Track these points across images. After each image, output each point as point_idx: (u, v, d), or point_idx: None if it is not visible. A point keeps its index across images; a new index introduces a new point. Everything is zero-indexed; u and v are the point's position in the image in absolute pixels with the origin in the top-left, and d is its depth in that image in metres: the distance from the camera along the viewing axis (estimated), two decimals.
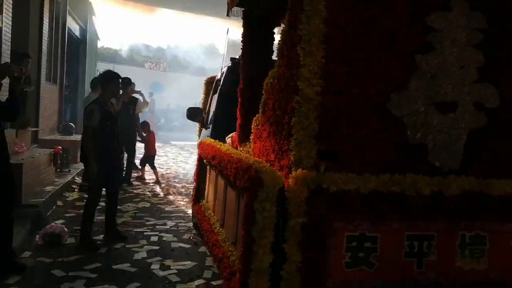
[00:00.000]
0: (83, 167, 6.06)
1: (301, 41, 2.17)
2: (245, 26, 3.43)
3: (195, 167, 4.35)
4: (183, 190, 8.19)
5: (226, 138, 4.05)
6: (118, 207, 6.25)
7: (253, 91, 3.40)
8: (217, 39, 23.90)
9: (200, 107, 6.29)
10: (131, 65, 24.02)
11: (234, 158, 2.69)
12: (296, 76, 2.20)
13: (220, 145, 3.55)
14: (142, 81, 15.73)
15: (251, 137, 3.01)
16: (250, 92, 3.42)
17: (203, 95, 6.15)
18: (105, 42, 22.59)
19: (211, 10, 15.28)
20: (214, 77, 5.77)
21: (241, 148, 3.43)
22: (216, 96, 4.92)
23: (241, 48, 3.50)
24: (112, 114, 4.90)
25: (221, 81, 4.46)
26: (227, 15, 3.79)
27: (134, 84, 8.24)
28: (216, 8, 14.85)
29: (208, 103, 5.37)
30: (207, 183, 4.04)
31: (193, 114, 5.41)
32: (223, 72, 4.52)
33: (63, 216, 5.80)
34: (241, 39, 3.48)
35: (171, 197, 7.48)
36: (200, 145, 4.17)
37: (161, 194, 7.70)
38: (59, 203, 6.41)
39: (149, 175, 9.20)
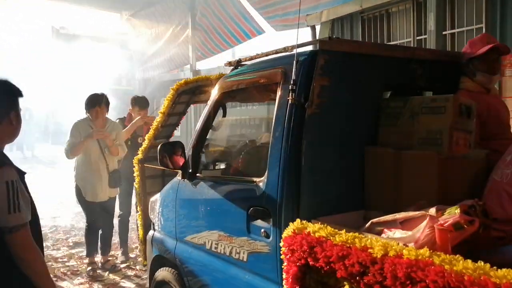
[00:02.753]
0: None
1: None
2: None
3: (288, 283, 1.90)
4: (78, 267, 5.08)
5: (377, 221, 1.83)
6: None
7: None
8: None
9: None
10: None
11: None
12: None
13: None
14: None
15: None
16: None
17: (159, 114, 3.42)
18: None
19: None
20: (202, 80, 3.19)
21: None
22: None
23: None
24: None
25: (295, 88, 2.08)
26: None
27: None
28: None
29: (199, 128, 2.81)
30: None
31: (166, 152, 2.76)
32: (293, 70, 2.11)
33: None
34: None
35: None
36: (313, 243, 1.77)
37: None
38: None
39: None
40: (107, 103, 4.60)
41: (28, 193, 1.96)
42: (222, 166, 3.05)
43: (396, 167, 2.08)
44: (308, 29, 6.80)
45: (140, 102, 5.13)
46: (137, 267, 4.84)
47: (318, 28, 6.73)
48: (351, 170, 2.18)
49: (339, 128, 2.15)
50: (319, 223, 1.84)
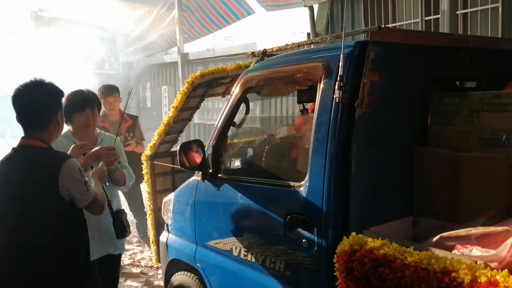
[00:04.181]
0: None
1: None
2: None
3: None
4: None
5: (448, 235, 1.68)
6: None
7: None
8: None
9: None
10: None
11: None
12: None
13: None
14: None
15: None
16: None
17: (171, 108, 3.14)
18: None
19: None
20: (219, 72, 2.94)
21: None
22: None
23: None
24: None
25: (342, 85, 1.86)
26: None
27: None
28: None
29: (219, 126, 2.58)
30: None
31: (183, 151, 2.54)
32: (340, 64, 1.89)
33: None
34: None
35: None
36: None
37: None
38: None
39: None
40: (99, 106, 2.88)
41: None
42: (240, 164, 2.84)
43: (453, 171, 1.90)
44: (306, 10, 6.51)
45: (106, 90, 4.43)
46: (142, 264, 4.63)
47: (316, 8, 6.46)
48: (401, 173, 2.00)
49: (389, 129, 1.96)
50: (380, 238, 1.65)
